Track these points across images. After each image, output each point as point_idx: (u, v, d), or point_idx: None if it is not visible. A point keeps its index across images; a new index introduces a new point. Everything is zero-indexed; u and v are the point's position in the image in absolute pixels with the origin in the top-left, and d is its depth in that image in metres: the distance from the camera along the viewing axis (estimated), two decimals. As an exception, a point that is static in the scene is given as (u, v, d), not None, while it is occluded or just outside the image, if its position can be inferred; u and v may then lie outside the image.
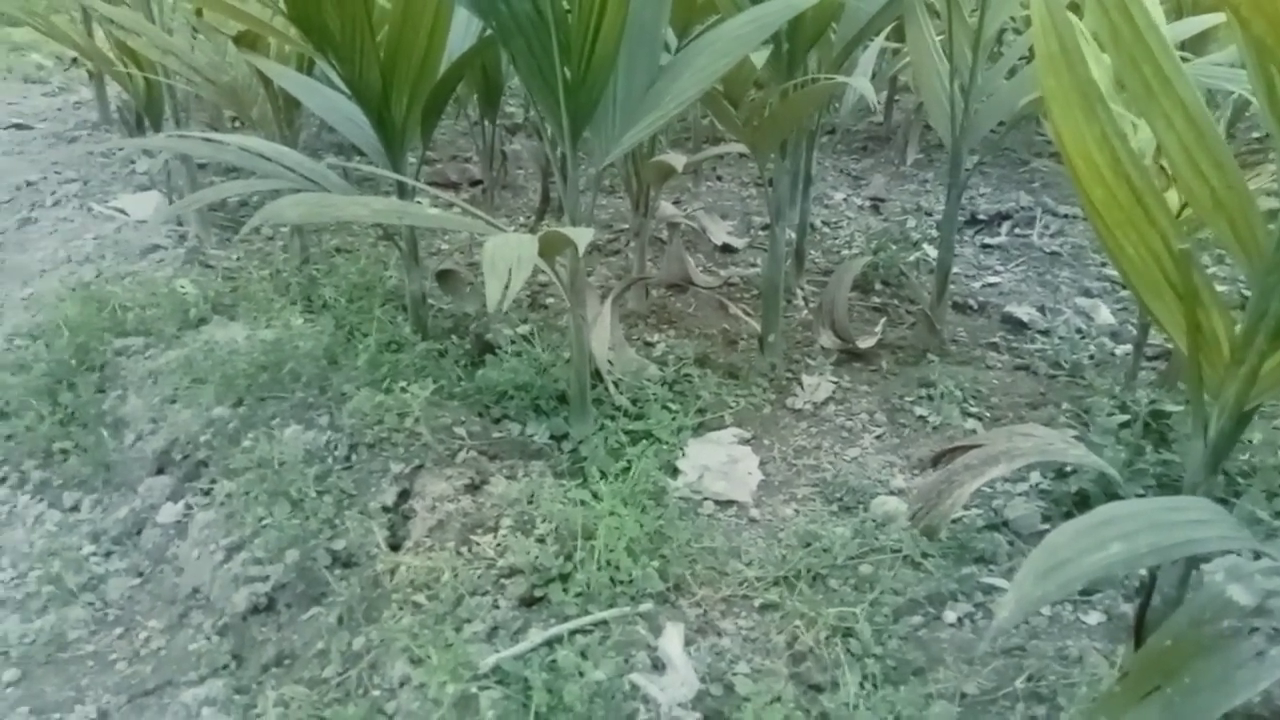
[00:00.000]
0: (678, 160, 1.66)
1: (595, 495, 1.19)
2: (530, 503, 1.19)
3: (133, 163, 2.84)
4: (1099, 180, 0.79)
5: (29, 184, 2.58)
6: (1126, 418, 1.43)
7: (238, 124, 2.60)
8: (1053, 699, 1.01)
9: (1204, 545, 0.65)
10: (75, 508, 1.37)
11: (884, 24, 1.63)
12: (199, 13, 1.81)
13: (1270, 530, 1.22)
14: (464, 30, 1.61)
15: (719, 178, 2.95)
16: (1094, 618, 1.13)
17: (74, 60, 3.92)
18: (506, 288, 0.97)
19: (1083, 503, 1.35)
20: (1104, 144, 0.78)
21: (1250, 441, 1.41)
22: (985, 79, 1.71)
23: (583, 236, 1.09)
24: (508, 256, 1.01)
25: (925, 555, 1.21)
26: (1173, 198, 1.18)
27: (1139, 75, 0.77)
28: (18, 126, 3.16)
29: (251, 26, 1.56)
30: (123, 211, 2.37)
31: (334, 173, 1.50)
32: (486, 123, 2.08)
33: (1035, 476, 1.40)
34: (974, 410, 1.60)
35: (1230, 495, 1.32)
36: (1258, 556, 0.69)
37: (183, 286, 1.86)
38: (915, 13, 1.73)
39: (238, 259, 2.17)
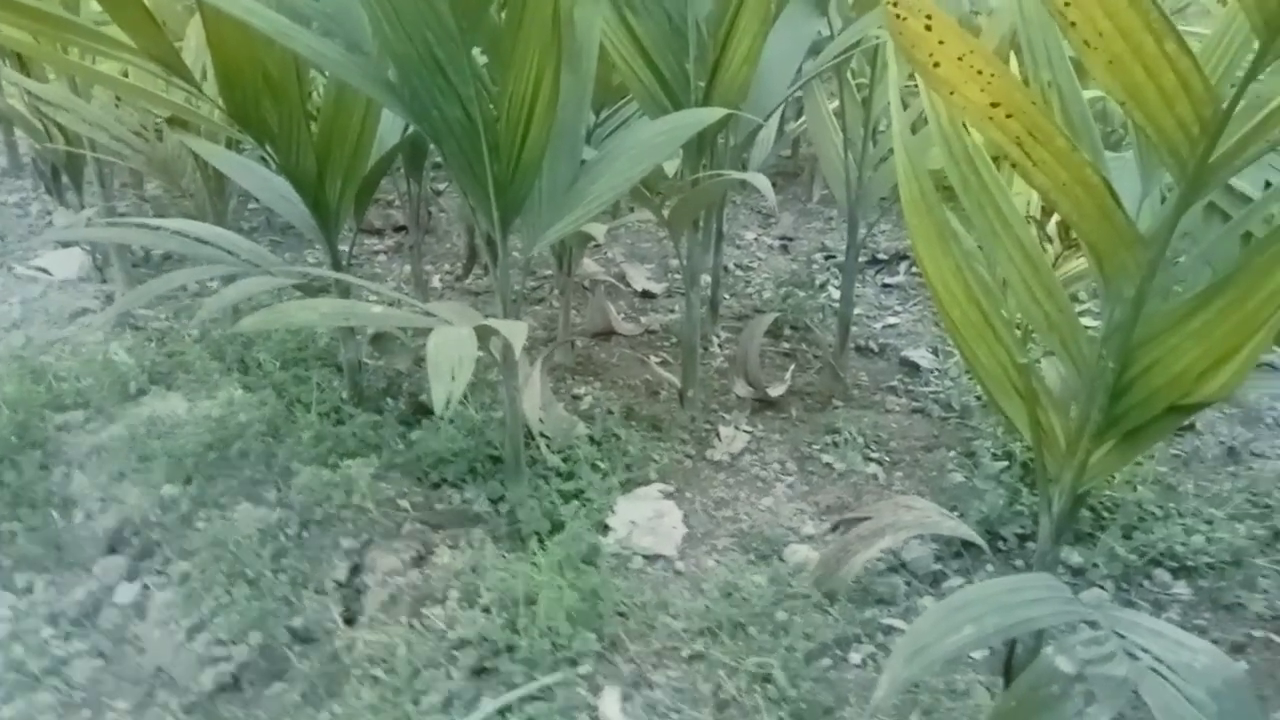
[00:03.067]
0: (598, 230, 1.79)
1: (534, 563, 1.30)
2: (474, 572, 1.29)
3: (49, 214, 2.83)
4: (955, 303, 0.94)
5: (-59, 243, 2.56)
6: (1006, 464, 1.61)
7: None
8: (942, 730, 1.17)
9: (1040, 622, 0.80)
10: (29, 589, 1.42)
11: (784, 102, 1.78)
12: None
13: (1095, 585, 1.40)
14: (395, 119, 1.70)
15: (631, 210, 3.08)
16: (980, 654, 1.30)
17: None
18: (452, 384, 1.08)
19: (969, 543, 1.52)
20: (958, 274, 0.93)
21: (1113, 479, 1.60)
22: (876, 149, 1.88)
23: (518, 333, 1.20)
24: (450, 358, 1.12)
25: (832, 600, 1.36)
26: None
27: (985, 218, 0.92)
28: (-79, 176, 3.10)
29: (179, 114, 1.62)
30: (45, 271, 2.38)
31: (271, 253, 1.58)
32: (413, 182, 2.17)
33: (927, 520, 1.56)
34: (875, 455, 1.76)
35: (1096, 530, 1.51)
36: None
37: (117, 354, 1.90)
38: (813, 92, 1.89)
39: (166, 318, 2.21)
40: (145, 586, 1.36)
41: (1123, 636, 0.79)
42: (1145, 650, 0.77)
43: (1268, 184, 0.96)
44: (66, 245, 2.52)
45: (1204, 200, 0.87)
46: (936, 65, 0.66)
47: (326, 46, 1.24)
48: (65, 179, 2.72)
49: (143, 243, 1.66)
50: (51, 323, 2.14)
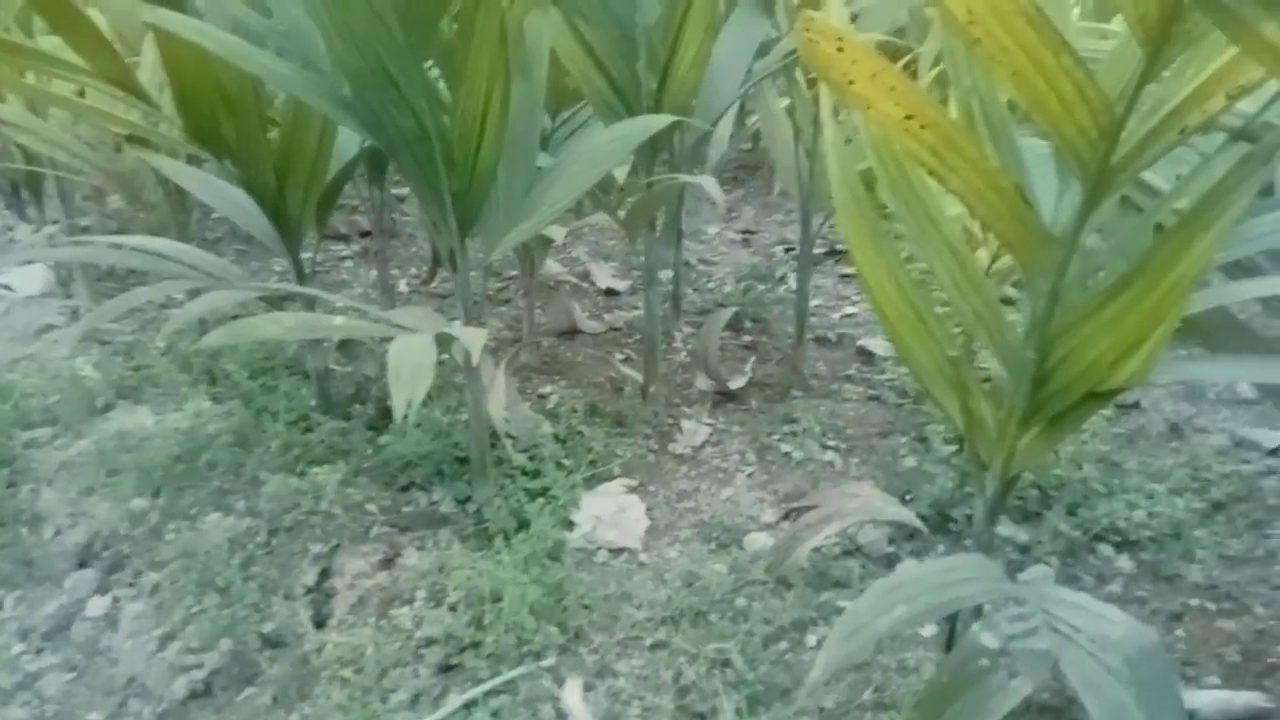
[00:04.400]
0: (557, 233, 1.83)
1: (499, 561, 1.34)
2: (441, 572, 1.33)
3: (10, 230, 2.82)
4: (889, 300, 0.99)
5: (-99, 261, 2.55)
6: (957, 447, 1.67)
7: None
8: (896, 706, 1.22)
9: (971, 600, 0.85)
10: (-1, 605, 1.44)
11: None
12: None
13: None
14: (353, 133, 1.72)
15: (590, 213, 3.12)
16: (929, 630, 1.35)
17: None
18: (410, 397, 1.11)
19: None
20: (891, 273, 0.98)
21: (1057, 455, 1.66)
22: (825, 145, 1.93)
23: (476, 339, 1.23)
24: (410, 365, 1.15)
25: (789, 585, 1.41)
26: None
27: (914, 218, 0.97)
28: (-122, 194, 3.07)
29: (137, 133, 1.63)
30: (8, 288, 2.38)
31: (233, 266, 1.60)
32: (375, 188, 2.20)
33: (882, 505, 1.62)
34: (832, 443, 1.81)
35: (1043, 508, 1.57)
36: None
37: (83, 370, 1.92)
38: (764, 90, 1.94)
39: (132, 332, 2.22)
40: (116, 599, 1.39)
41: (1047, 611, 0.84)
42: (1067, 623, 0.82)
43: (1178, 177, 1.01)
44: (29, 262, 2.52)
45: (1115, 196, 0.93)
46: (851, 84, 0.70)
47: (281, 65, 1.27)
48: (26, 195, 2.73)
49: (106, 260, 1.67)
50: (16, 340, 2.14)
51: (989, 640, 0.80)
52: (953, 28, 0.69)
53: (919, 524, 1.06)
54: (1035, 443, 0.97)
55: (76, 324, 2.19)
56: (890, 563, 1.51)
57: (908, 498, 1.61)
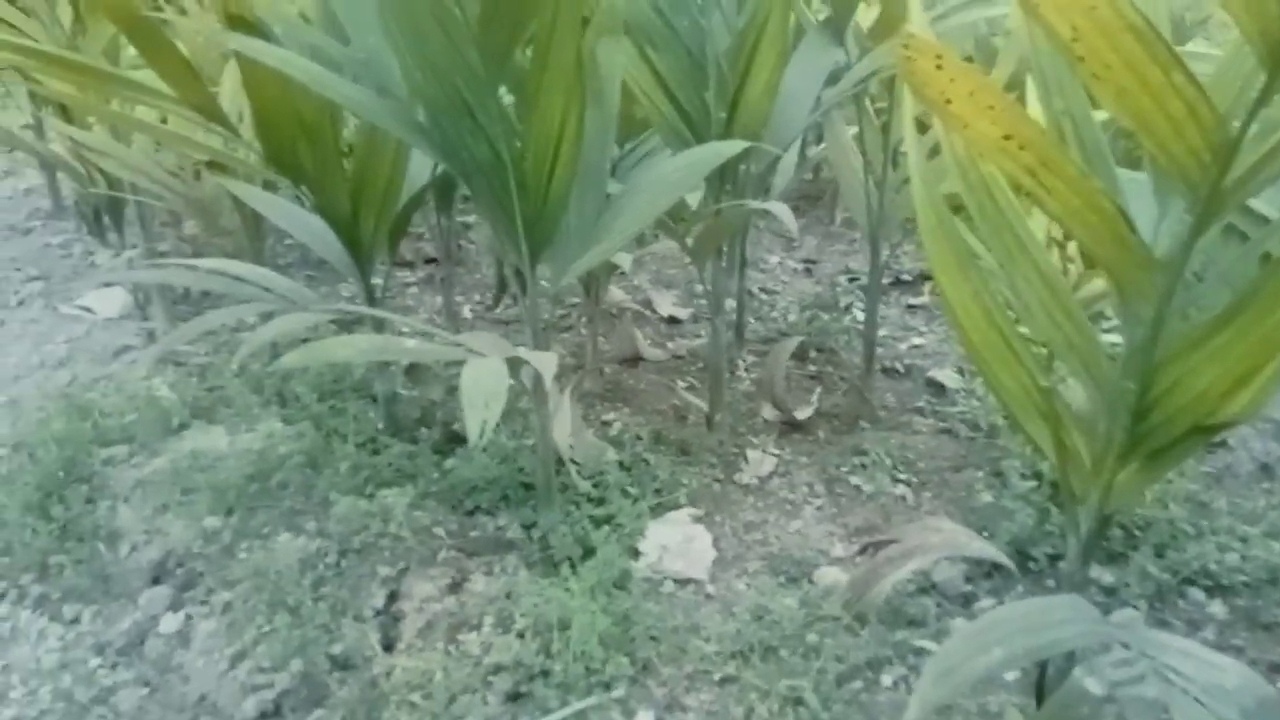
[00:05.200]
0: (625, 260, 1.82)
1: (567, 588, 1.32)
2: (508, 598, 1.32)
3: (91, 254, 2.91)
4: (976, 327, 0.96)
5: (-9, 284, 2.65)
6: (1035, 483, 1.61)
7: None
8: (976, 751, 1.17)
9: (1069, 643, 0.81)
10: (76, 620, 1.46)
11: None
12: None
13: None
14: (426, 158, 1.75)
15: (656, 239, 3.12)
16: (1011, 674, 1.30)
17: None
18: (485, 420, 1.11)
19: (1000, 564, 1.52)
20: (978, 298, 0.95)
21: (1144, 498, 1.60)
22: (896, 173, 1.90)
23: (548, 364, 1.23)
24: (484, 389, 1.15)
25: (862, 623, 1.36)
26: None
27: (1001, 243, 0.94)
28: (-31, 220, 3.21)
29: (217, 158, 1.68)
30: (89, 310, 2.45)
31: (307, 289, 1.63)
32: (442, 216, 2.22)
33: (957, 540, 1.57)
34: (903, 477, 1.77)
35: (1129, 549, 1.50)
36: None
37: (159, 390, 1.96)
38: (832, 118, 1.92)
39: (206, 353, 2.27)
40: (189, 616, 1.40)
41: (1152, 657, 0.79)
42: (1176, 671, 0.77)
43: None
44: (109, 284, 2.60)
45: (1221, 222, 0.89)
46: (948, 102, 0.68)
47: (359, 92, 1.29)
48: (107, 220, 2.82)
49: (183, 283, 1.71)
50: (95, 360, 2.20)
51: (1094, 686, 0.76)
52: (1056, 46, 0.66)
53: (1007, 561, 1.02)
54: (1133, 478, 0.93)
55: (153, 346, 2.24)
56: (967, 601, 1.46)
57: (985, 534, 1.56)
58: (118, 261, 2.65)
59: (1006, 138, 0.71)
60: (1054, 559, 1.52)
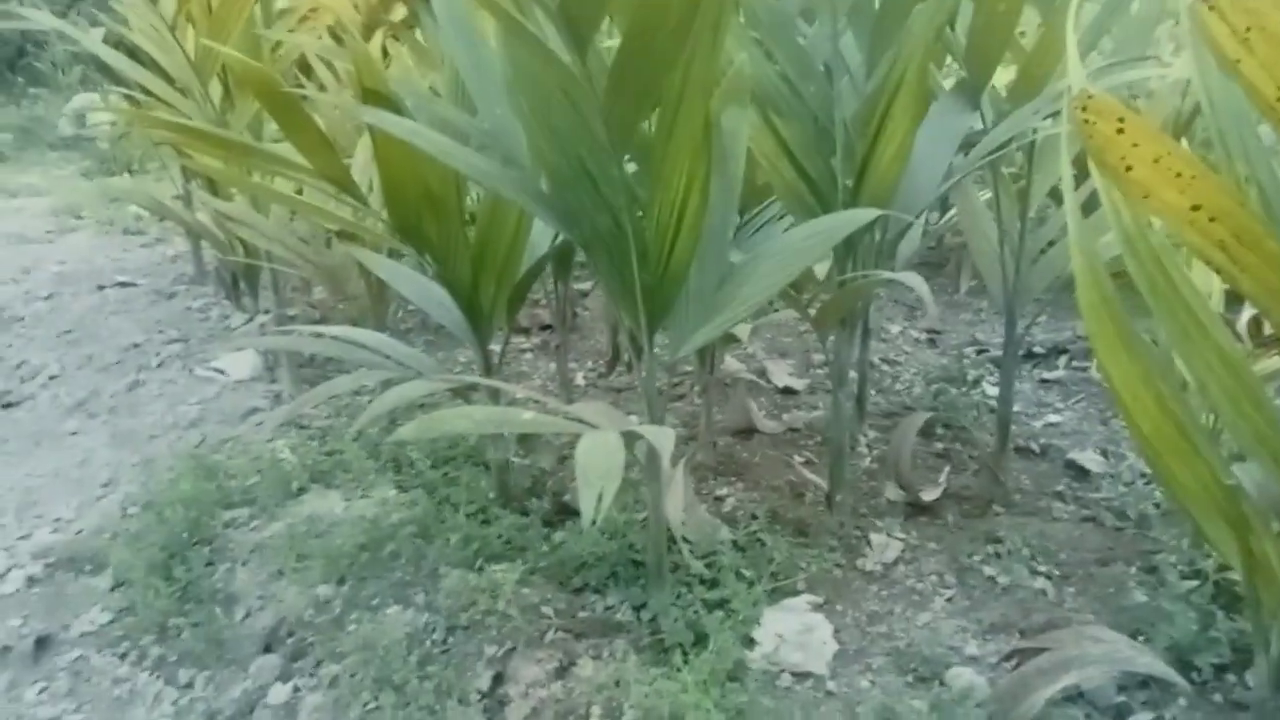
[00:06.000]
0: (743, 330, 1.77)
1: (678, 678, 1.25)
2: (617, 686, 1.25)
3: (227, 318, 3.05)
4: (1146, 414, 0.86)
5: (135, 345, 2.79)
6: (1196, 582, 1.45)
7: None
8: None
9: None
10: (190, 685, 1.47)
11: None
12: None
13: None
14: (546, 227, 1.75)
15: (775, 309, 3.06)
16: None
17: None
18: (600, 498, 1.06)
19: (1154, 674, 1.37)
20: (1148, 382, 0.85)
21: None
22: (1033, 241, 1.80)
23: (666, 440, 1.17)
24: (600, 465, 1.10)
25: (1004, 734, 1.24)
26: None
27: (1177, 322, 0.84)
28: (122, 285, 3.41)
29: (347, 228, 1.72)
30: (221, 372, 2.55)
31: (425, 356, 1.64)
32: (559, 283, 2.23)
33: (1109, 644, 1.42)
34: (1043, 569, 1.63)
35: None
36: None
37: (282, 453, 2.00)
38: (964, 184, 1.84)
39: (327, 416, 2.31)
40: (297, 688, 1.39)
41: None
42: None
43: None
44: (240, 350, 2.71)
45: None
46: (1129, 169, 0.61)
47: (484, 162, 1.30)
48: (243, 285, 2.96)
49: (311, 350, 1.75)
50: (225, 421, 2.28)
51: None
52: (1259, 107, 0.58)
53: (1177, 677, 0.90)
54: (1341, 594, 0.80)
55: (280, 409, 2.31)
56: (1120, 714, 1.31)
57: (1139, 639, 1.41)
58: (250, 326, 2.76)
59: (1195, 208, 0.63)
60: (1220, 670, 1.36)
